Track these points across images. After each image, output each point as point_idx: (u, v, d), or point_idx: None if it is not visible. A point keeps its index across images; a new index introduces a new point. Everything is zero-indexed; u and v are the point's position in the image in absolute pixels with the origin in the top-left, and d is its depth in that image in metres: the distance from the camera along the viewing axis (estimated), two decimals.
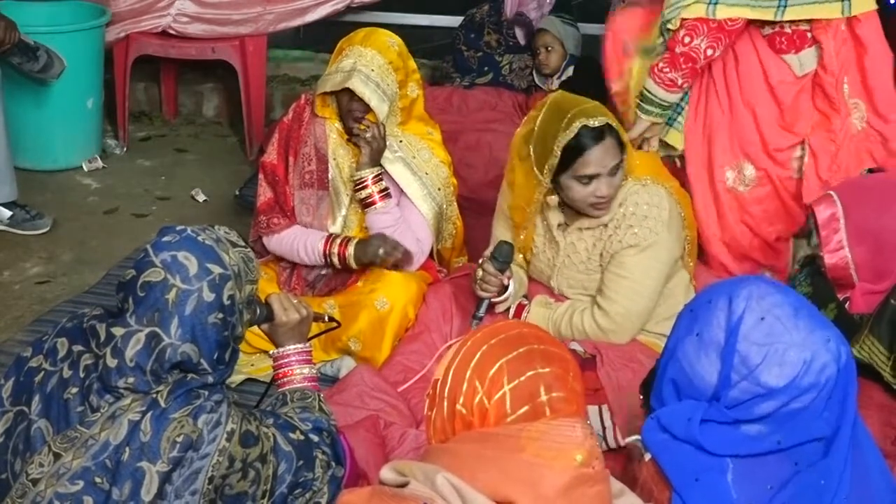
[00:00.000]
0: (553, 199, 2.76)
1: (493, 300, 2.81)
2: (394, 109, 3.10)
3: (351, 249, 3.07)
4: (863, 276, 2.42)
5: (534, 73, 4.58)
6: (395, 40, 3.13)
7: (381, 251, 3.03)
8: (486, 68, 4.66)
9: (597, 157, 2.63)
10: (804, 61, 3.07)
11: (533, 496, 1.45)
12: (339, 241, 3.10)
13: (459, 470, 1.47)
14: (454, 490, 1.46)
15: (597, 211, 2.72)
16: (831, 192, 2.52)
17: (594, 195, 2.66)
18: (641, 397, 1.91)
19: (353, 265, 3.08)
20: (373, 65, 3.03)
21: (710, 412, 1.66)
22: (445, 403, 1.56)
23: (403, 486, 1.50)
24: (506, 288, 2.80)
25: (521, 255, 2.92)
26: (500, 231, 2.96)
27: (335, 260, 3.10)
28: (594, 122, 2.61)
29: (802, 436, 1.63)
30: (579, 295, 2.85)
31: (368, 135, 3.03)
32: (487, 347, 1.55)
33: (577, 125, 2.61)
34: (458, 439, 1.54)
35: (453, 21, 5.04)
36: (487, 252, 2.82)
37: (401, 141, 3.14)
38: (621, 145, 2.67)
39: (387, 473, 1.55)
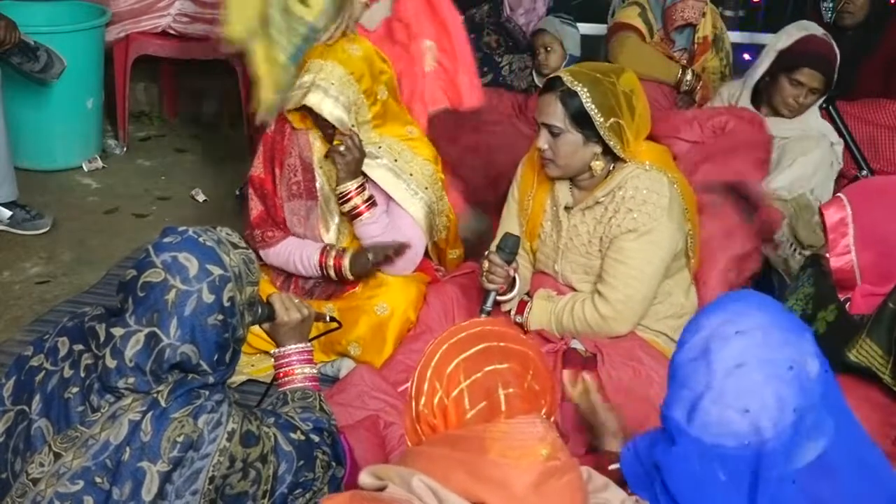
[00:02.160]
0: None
1: (499, 297, 2.81)
2: (362, 117, 3.07)
3: (346, 262, 3.07)
4: (866, 279, 2.41)
5: (533, 73, 4.58)
6: (355, 45, 3.06)
7: (371, 256, 3.04)
8: (485, 69, 4.64)
9: (539, 104, 2.74)
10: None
11: (505, 496, 1.45)
12: (334, 253, 3.09)
13: (433, 472, 1.48)
14: (430, 492, 1.46)
15: (543, 168, 2.80)
16: (841, 195, 2.50)
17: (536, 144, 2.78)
18: None
19: (350, 277, 3.08)
20: (332, 78, 2.98)
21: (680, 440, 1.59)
22: (413, 405, 1.58)
23: (381, 489, 1.51)
24: (513, 282, 2.80)
25: (527, 244, 2.93)
26: (508, 221, 2.98)
27: (331, 273, 3.10)
28: (555, 76, 2.73)
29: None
30: (582, 280, 2.85)
31: (342, 148, 2.99)
32: (447, 347, 1.58)
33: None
34: (430, 442, 1.55)
35: None
36: (493, 244, 2.83)
37: (380, 147, 3.11)
38: (574, 117, 2.67)
39: (365, 478, 1.55)
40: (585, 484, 1.56)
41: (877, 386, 2.35)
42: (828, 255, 2.44)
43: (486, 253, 2.81)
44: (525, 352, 1.59)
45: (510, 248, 2.77)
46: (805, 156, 3.63)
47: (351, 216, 3.07)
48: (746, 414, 1.51)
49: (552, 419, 1.57)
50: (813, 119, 3.72)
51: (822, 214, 2.47)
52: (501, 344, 1.57)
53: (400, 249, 3.07)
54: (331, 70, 2.98)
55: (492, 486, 1.45)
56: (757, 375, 1.52)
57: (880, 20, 4.31)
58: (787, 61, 3.62)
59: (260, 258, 3.24)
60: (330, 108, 2.97)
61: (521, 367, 1.55)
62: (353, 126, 3.02)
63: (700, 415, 1.53)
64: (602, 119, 2.65)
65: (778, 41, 3.72)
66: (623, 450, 1.69)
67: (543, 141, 2.73)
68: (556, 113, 2.69)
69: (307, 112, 3.06)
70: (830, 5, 4.12)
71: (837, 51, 3.63)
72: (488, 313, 2.78)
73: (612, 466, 1.74)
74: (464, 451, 1.48)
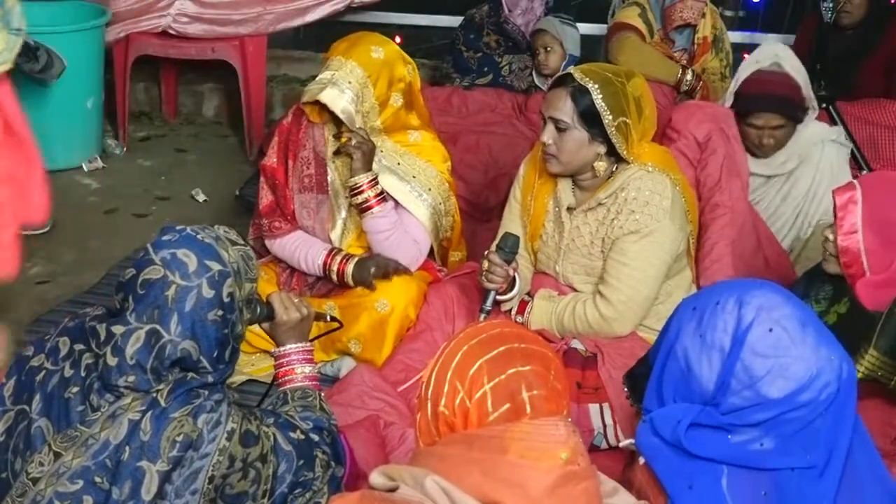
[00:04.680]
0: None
1: (499, 297, 2.81)
2: (371, 122, 3.08)
3: (349, 269, 3.08)
4: (872, 265, 2.42)
5: (533, 73, 4.58)
6: (380, 48, 3.07)
7: (372, 269, 3.05)
8: (485, 69, 4.65)
9: (548, 98, 2.74)
10: None
11: (520, 497, 1.45)
12: (339, 258, 3.10)
13: (447, 473, 1.48)
14: (444, 493, 1.46)
15: (544, 163, 2.79)
16: (854, 181, 2.52)
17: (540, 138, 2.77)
18: (626, 389, 1.91)
19: (351, 283, 3.09)
20: (351, 77, 3.00)
21: (702, 416, 1.65)
22: (429, 405, 1.56)
23: (393, 490, 1.51)
24: (513, 282, 2.80)
25: (529, 245, 2.93)
26: (509, 222, 2.98)
27: (333, 276, 3.11)
28: (567, 72, 2.72)
29: (795, 455, 1.62)
30: (583, 281, 2.85)
31: (354, 142, 3.01)
32: (468, 348, 1.56)
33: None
34: (445, 442, 1.54)
35: (453, 21, 5.04)
36: (493, 244, 2.83)
37: (381, 150, 3.10)
38: (582, 115, 2.66)
39: (376, 478, 1.55)
40: (601, 492, 1.56)
41: (877, 386, 2.36)
42: (837, 236, 2.44)
43: (486, 252, 2.81)
44: (544, 352, 1.58)
45: (510, 247, 2.77)
46: (835, 179, 3.27)
47: (361, 209, 3.07)
48: (832, 361, 1.63)
49: (569, 419, 1.56)
50: (804, 134, 3.39)
51: (833, 196, 2.47)
52: (522, 345, 1.56)
53: (401, 269, 3.08)
54: (351, 69, 3.01)
55: (507, 487, 1.45)
56: (820, 327, 1.67)
57: (880, 20, 4.32)
58: (740, 106, 3.34)
59: (261, 252, 3.25)
60: (343, 107, 2.99)
61: (544, 368, 1.54)
62: (359, 129, 3.04)
63: (799, 374, 1.62)
64: (611, 118, 2.65)
65: (737, 79, 3.41)
66: (639, 424, 1.71)
67: (548, 136, 2.73)
68: (564, 108, 2.69)
69: (322, 107, 3.08)
70: (830, 5, 4.13)
71: (798, 78, 3.29)
72: (488, 313, 2.78)
73: (625, 442, 1.75)
74: (481, 451, 1.48)
